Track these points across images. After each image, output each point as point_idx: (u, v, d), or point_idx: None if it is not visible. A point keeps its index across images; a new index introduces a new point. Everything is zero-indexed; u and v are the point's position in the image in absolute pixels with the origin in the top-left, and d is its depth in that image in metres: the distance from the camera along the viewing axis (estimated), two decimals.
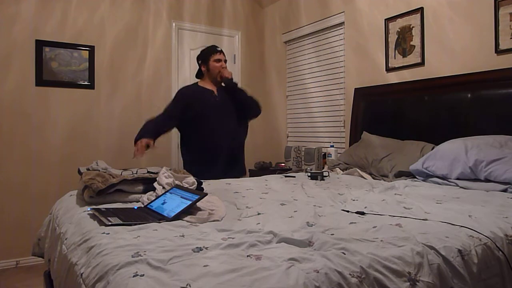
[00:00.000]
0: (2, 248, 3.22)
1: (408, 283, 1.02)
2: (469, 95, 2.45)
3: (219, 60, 2.81)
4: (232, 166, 2.83)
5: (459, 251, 1.16)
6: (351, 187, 2.22)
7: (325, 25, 3.71)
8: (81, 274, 1.10)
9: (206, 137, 2.75)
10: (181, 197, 1.59)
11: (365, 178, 2.56)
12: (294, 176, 2.71)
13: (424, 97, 2.71)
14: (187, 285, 0.87)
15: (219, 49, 2.85)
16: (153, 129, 2.63)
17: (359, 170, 2.68)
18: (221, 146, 2.76)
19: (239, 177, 2.71)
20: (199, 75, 2.93)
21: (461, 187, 2.05)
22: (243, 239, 1.17)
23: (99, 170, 1.91)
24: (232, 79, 2.85)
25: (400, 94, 2.92)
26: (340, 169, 2.88)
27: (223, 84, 2.85)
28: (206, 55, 2.84)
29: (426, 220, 1.40)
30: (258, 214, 1.56)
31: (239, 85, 2.97)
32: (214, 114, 2.77)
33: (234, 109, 2.83)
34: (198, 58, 2.90)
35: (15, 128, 3.28)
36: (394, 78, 3.04)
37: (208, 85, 2.85)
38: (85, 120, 3.58)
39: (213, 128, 2.76)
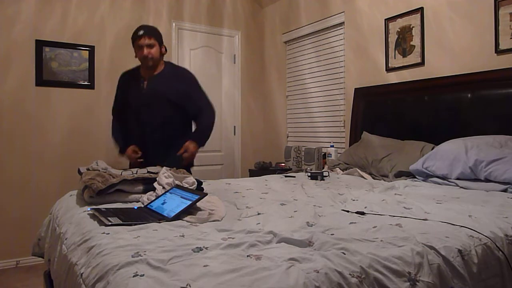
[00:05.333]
0: (2, 248, 3.22)
1: (408, 283, 1.02)
2: (469, 95, 2.45)
3: (140, 47, 2.45)
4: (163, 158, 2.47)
5: (459, 251, 1.16)
6: (351, 187, 2.22)
7: (325, 25, 3.71)
8: (81, 274, 1.10)
9: (131, 129, 2.59)
10: (181, 197, 1.59)
11: (365, 178, 2.56)
12: (294, 176, 2.71)
13: (424, 97, 2.71)
14: (187, 285, 0.88)
15: (140, 33, 2.44)
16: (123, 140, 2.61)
17: (359, 170, 2.68)
18: (145, 139, 2.54)
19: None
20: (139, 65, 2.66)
21: (461, 187, 2.05)
22: (243, 239, 1.17)
23: (99, 170, 1.91)
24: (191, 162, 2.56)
25: (400, 94, 2.92)
26: (340, 169, 2.88)
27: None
28: (132, 42, 2.51)
29: (426, 220, 1.40)
30: (258, 214, 1.56)
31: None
32: (137, 104, 2.54)
33: (165, 100, 2.51)
34: None
35: (15, 128, 3.28)
36: (394, 78, 3.04)
37: (143, 71, 2.58)
38: (85, 120, 3.58)
39: (136, 119, 2.56)
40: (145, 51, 2.45)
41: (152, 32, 2.51)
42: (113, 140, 2.66)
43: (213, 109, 2.66)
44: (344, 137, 3.52)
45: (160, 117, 2.52)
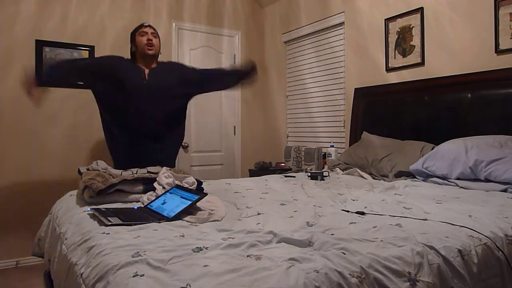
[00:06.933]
0: (2, 248, 3.22)
1: (408, 283, 1.02)
2: (469, 95, 2.45)
3: (144, 33, 2.55)
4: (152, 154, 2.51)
5: (459, 251, 1.16)
6: (351, 187, 2.23)
7: (325, 25, 3.71)
8: (81, 274, 1.10)
9: (125, 121, 2.49)
10: (181, 197, 1.59)
11: (365, 178, 2.56)
12: (294, 176, 2.71)
13: (424, 97, 2.71)
14: (187, 285, 0.88)
15: (145, 23, 2.63)
16: (57, 71, 2.52)
17: (359, 170, 2.67)
18: (139, 131, 2.48)
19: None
20: (132, 58, 2.64)
21: (461, 187, 2.05)
22: (243, 239, 1.17)
23: (99, 170, 1.91)
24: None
25: (400, 94, 2.92)
26: (340, 169, 2.88)
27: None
28: (133, 33, 2.61)
29: (426, 220, 1.40)
30: (258, 214, 1.56)
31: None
32: (137, 95, 2.48)
33: (169, 93, 2.56)
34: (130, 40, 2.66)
35: (15, 128, 3.28)
36: (394, 78, 3.04)
37: (140, 65, 2.58)
38: (85, 120, 3.57)
39: (133, 111, 2.47)
40: (150, 36, 2.54)
41: (155, 29, 2.65)
42: (45, 69, 2.51)
43: None
44: (344, 137, 3.52)
45: (162, 111, 2.54)
